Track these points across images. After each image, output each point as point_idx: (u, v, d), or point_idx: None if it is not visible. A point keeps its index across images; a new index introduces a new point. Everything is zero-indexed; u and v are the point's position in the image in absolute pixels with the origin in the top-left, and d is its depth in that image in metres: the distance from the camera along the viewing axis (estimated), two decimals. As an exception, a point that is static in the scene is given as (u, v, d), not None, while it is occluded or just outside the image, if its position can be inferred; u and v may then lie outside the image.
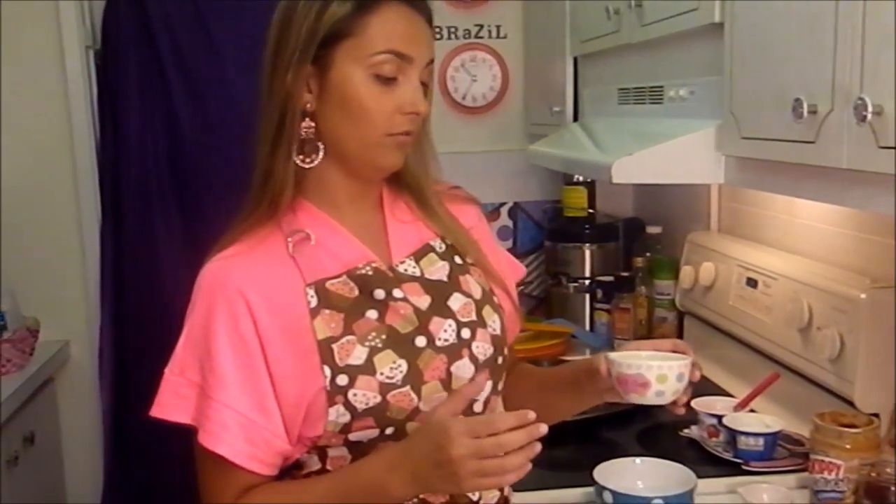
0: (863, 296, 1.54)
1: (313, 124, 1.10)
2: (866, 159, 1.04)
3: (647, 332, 2.41)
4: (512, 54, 2.80)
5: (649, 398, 1.06)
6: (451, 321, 1.14)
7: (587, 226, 2.57)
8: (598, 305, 2.47)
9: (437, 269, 1.17)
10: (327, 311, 1.08)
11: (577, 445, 1.74)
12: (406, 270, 1.15)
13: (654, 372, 1.04)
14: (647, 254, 2.44)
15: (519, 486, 1.30)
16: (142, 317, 2.50)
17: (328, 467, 1.11)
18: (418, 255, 1.17)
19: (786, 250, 1.92)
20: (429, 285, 1.15)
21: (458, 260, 1.20)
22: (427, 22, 1.12)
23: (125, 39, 2.46)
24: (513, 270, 1.33)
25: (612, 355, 1.05)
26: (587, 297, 2.52)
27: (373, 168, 1.13)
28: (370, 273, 1.12)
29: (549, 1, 2.44)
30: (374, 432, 1.08)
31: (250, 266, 1.08)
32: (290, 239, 1.10)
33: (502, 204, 2.83)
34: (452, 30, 2.77)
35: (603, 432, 1.77)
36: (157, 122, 2.50)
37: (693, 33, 1.57)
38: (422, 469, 1.00)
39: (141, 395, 2.48)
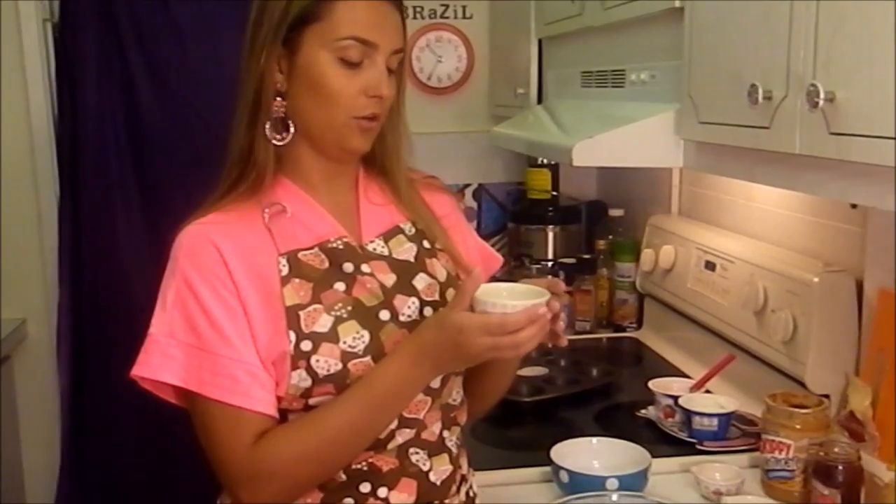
0: (816, 279, 1.57)
1: (284, 103, 1.14)
2: (818, 145, 1.06)
3: (607, 313, 2.43)
4: (477, 35, 2.80)
5: None
6: (414, 299, 1.18)
7: (550, 208, 2.59)
8: (560, 287, 2.48)
9: (405, 250, 1.21)
10: (297, 280, 1.12)
11: (534, 425, 1.76)
12: (375, 249, 1.19)
13: (509, 311, 1.07)
14: (609, 236, 2.46)
15: (477, 466, 1.32)
16: (101, 294, 2.46)
17: None
18: (388, 236, 1.21)
19: (743, 234, 1.95)
20: (395, 264, 1.19)
21: (426, 244, 1.23)
22: (397, 10, 1.15)
23: (84, 12, 2.41)
24: (488, 260, 1.36)
25: (477, 292, 1.08)
26: (549, 279, 2.53)
27: (339, 149, 1.16)
28: (341, 247, 1.16)
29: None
30: (333, 398, 1.11)
31: (228, 231, 1.12)
32: (266, 210, 1.14)
33: (466, 185, 2.83)
34: (418, 9, 2.75)
35: (560, 412, 1.79)
36: (116, 97, 2.45)
37: (654, 17, 1.58)
38: (443, 360, 1.08)
39: (100, 372, 2.47)
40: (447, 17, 2.79)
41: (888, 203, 0.98)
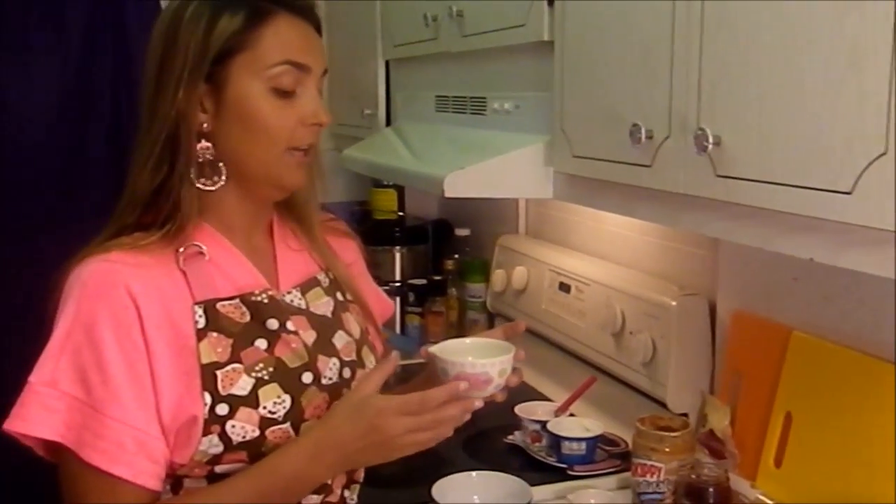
0: (674, 303, 1.63)
1: (210, 145, 1.05)
2: (703, 186, 1.09)
3: (458, 334, 2.43)
4: (316, 51, 2.72)
5: (488, 391, 1.07)
6: (335, 359, 1.12)
7: (397, 228, 2.56)
8: (410, 309, 2.46)
9: (322, 304, 1.15)
10: (215, 335, 1.03)
11: (405, 460, 1.70)
12: (292, 301, 1.12)
13: (497, 367, 1.05)
14: (456, 255, 2.47)
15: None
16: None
17: None
18: (305, 288, 1.14)
19: (594, 255, 2.01)
20: (314, 320, 1.12)
21: (339, 296, 1.18)
22: (317, 30, 1.11)
23: None
24: (382, 308, 1.32)
25: (440, 353, 1.04)
26: (398, 300, 2.50)
27: (275, 187, 1.09)
28: (265, 301, 1.08)
29: (354, 0, 2.37)
30: (244, 467, 1.03)
31: (139, 272, 1.01)
32: (181, 250, 1.04)
33: (307, 205, 2.74)
34: (253, 23, 2.64)
35: (429, 443, 1.76)
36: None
37: (519, 48, 1.58)
38: (351, 450, 0.99)
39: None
40: (283, 32, 2.69)
41: (774, 245, 1.02)
